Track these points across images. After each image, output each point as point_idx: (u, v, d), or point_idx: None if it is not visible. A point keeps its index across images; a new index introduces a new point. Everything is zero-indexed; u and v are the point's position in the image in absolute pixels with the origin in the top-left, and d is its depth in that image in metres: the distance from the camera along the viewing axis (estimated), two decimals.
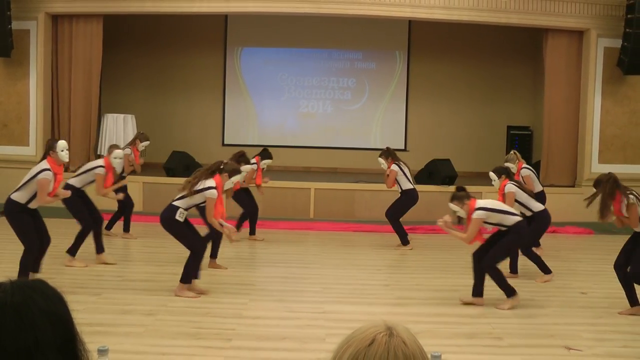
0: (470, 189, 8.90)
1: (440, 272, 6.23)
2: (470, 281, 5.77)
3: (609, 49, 8.99)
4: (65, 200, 5.59)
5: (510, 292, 4.91)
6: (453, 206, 4.97)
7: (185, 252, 5.11)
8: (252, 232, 7.39)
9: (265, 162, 7.48)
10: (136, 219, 7.35)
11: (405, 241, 7.14)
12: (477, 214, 4.85)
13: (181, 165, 9.17)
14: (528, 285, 5.66)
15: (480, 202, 4.98)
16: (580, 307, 5.04)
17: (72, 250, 5.80)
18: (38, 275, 4.85)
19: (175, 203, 5.00)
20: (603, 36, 9.01)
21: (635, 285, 4.80)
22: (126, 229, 7.19)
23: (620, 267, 4.80)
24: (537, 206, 5.85)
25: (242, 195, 7.03)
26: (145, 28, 10.86)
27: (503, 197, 5.77)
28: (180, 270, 5.63)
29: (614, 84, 9.14)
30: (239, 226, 7.25)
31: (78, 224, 5.87)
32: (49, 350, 1.08)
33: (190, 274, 5.04)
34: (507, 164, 6.52)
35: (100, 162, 6.02)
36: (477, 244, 5.10)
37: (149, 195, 8.78)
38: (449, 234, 5.16)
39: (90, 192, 6.10)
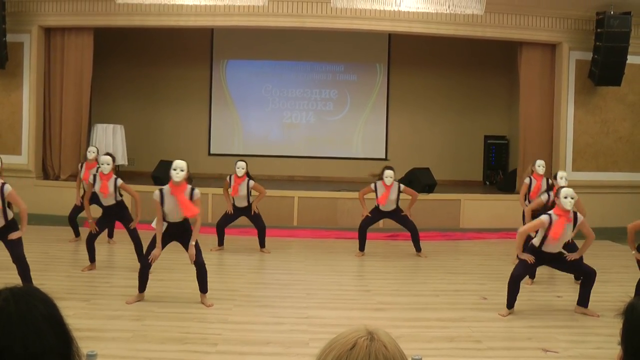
0: (449, 196, 9.28)
1: (420, 277, 6.33)
2: (449, 286, 5.97)
3: (581, 62, 9.22)
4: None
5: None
6: None
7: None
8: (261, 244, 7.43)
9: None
10: None
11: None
12: None
13: (168, 174, 9.22)
14: (505, 290, 5.83)
15: None
16: (556, 310, 5.15)
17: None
18: None
19: None
20: (575, 49, 9.23)
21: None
22: (110, 235, 7.50)
23: None
24: None
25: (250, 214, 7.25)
26: (135, 41, 10.95)
27: None
28: (167, 276, 5.73)
29: (586, 95, 9.35)
30: (262, 243, 7.37)
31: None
32: (52, 354, 1.10)
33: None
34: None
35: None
36: None
37: None
38: None
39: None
